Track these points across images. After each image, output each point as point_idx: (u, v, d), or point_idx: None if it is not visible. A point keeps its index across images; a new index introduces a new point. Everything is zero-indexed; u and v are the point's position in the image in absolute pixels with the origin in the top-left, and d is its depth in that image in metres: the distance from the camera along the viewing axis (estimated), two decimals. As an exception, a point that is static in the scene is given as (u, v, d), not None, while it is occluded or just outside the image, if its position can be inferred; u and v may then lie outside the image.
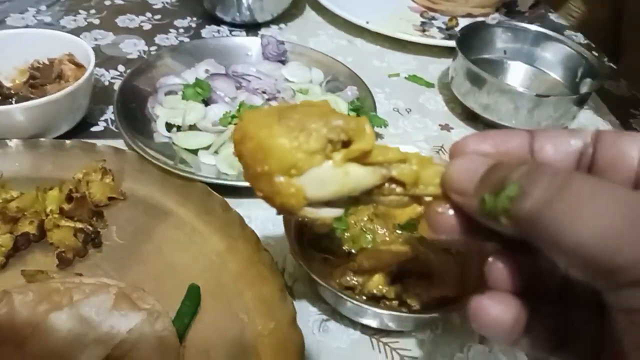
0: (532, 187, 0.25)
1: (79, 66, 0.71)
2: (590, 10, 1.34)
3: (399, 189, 0.33)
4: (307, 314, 0.52)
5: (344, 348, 0.50)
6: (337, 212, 0.35)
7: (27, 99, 0.67)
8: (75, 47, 0.72)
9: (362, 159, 0.32)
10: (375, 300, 0.48)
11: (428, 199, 0.33)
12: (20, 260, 0.54)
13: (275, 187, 0.32)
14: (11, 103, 0.68)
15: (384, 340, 0.50)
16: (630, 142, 0.31)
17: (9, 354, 0.43)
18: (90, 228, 0.56)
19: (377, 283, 0.48)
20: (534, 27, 0.85)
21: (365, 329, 0.51)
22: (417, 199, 0.34)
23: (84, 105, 0.70)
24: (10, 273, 0.53)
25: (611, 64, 1.01)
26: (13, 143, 0.63)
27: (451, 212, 0.31)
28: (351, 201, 0.34)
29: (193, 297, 0.51)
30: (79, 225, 0.55)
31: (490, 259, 0.30)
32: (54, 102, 0.63)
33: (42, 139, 0.64)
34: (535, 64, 0.85)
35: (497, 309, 0.29)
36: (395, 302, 0.48)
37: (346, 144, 0.32)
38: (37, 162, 0.63)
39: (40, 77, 0.72)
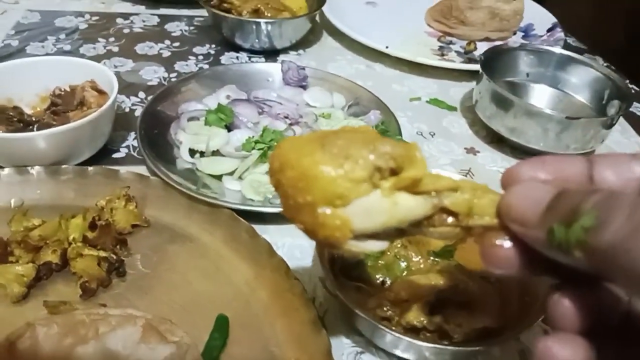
0: (611, 217, 0.23)
1: (101, 93, 0.71)
2: (606, 33, 1.35)
3: (450, 220, 0.31)
4: (341, 346, 0.50)
5: (380, 382, 0.47)
6: (382, 245, 0.32)
7: (49, 125, 0.67)
8: (97, 74, 0.72)
9: (412, 187, 0.30)
10: (414, 331, 0.46)
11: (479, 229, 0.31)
12: (42, 290, 0.52)
13: (319, 219, 0.29)
14: (33, 130, 0.68)
15: (423, 373, 0.48)
16: None
17: (33, 390, 0.41)
18: (114, 257, 0.54)
19: (416, 314, 0.46)
20: (558, 50, 0.84)
21: (402, 362, 0.49)
22: (469, 230, 0.31)
23: (106, 132, 0.69)
24: (32, 304, 0.51)
25: (634, 87, 1.00)
26: (35, 170, 0.62)
27: (509, 244, 0.29)
28: (397, 233, 0.32)
29: (222, 329, 0.49)
30: (103, 253, 0.54)
31: (554, 296, 0.28)
32: (77, 129, 0.62)
33: (64, 166, 0.63)
34: (560, 87, 0.84)
35: (566, 352, 0.27)
36: (435, 334, 0.46)
37: (394, 172, 0.30)
38: (59, 189, 0.62)
39: (62, 104, 0.71)
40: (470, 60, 1.00)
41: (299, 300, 0.50)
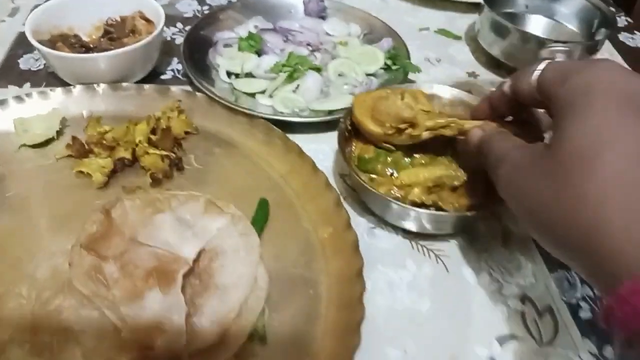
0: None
1: (149, 21, 0.81)
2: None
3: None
4: (357, 223, 0.63)
5: (389, 249, 0.60)
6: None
7: (107, 50, 0.78)
8: (144, 5, 0.82)
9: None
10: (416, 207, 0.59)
11: None
12: (118, 180, 0.65)
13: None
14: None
15: (422, 242, 0.61)
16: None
17: (124, 242, 0.54)
18: (174, 155, 0.67)
19: (417, 194, 0.58)
20: (553, -17, 0.93)
21: (406, 234, 0.61)
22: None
23: (155, 57, 0.80)
24: (112, 190, 0.64)
25: (627, 18, 1.08)
26: (100, 88, 0.74)
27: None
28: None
29: (264, 208, 0.62)
30: (164, 152, 0.66)
31: None
32: (133, 51, 0.73)
33: (124, 84, 0.75)
34: (555, 17, 0.93)
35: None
36: (432, 209, 0.58)
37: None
38: (121, 103, 0.74)
39: (115, 32, 0.82)
40: (477, -6, 1.08)
41: (324, 187, 0.62)
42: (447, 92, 0.69)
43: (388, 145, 0.64)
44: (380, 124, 0.61)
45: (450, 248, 0.61)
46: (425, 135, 0.59)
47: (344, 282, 0.55)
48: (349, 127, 0.65)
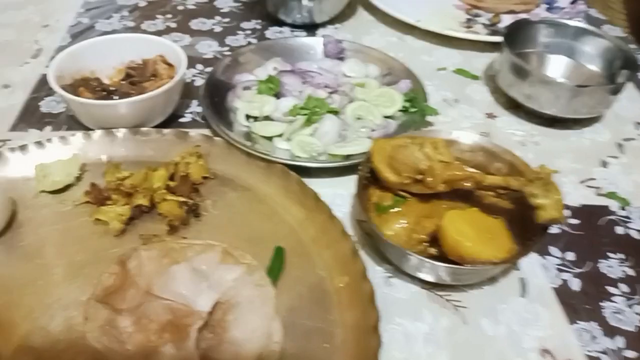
0: None
1: (170, 65, 0.83)
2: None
3: None
4: (374, 272, 0.62)
5: (406, 299, 0.59)
6: None
7: (128, 94, 0.79)
8: (166, 49, 0.83)
9: None
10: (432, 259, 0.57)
11: None
12: (136, 227, 0.65)
13: None
14: (113, 98, 0.80)
15: (439, 293, 0.60)
16: None
17: (139, 295, 0.54)
18: (191, 201, 0.67)
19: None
20: (573, 23, 0.92)
21: (423, 284, 0.60)
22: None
23: (176, 100, 0.81)
24: (129, 237, 0.64)
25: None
26: (120, 132, 0.75)
27: None
28: None
29: (280, 257, 0.61)
30: (182, 199, 0.66)
31: None
32: (154, 97, 0.74)
33: (144, 128, 0.76)
34: (575, 57, 0.92)
35: None
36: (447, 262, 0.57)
37: None
38: (141, 147, 0.75)
39: (137, 76, 0.83)
40: (495, 33, 1.07)
41: (340, 235, 0.62)
42: (467, 138, 0.68)
43: (404, 193, 0.63)
44: (398, 172, 0.61)
45: (468, 298, 0.59)
46: (442, 187, 0.59)
47: (359, 335, 0.53)
48: (367, 174, 0.65)
